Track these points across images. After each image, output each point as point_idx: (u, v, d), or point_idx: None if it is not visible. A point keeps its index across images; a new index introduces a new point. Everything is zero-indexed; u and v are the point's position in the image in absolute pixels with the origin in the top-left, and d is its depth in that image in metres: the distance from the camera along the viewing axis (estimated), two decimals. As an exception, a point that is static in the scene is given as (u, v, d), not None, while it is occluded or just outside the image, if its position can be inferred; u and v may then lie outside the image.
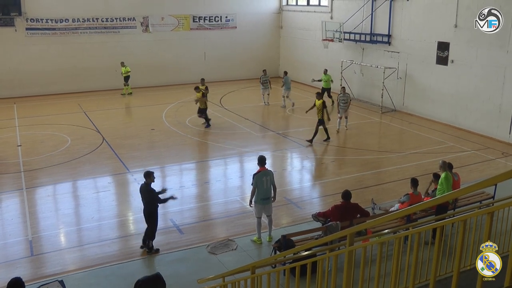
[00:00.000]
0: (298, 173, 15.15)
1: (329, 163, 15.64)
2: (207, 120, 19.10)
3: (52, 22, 25.04)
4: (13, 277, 5.80)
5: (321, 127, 16.80)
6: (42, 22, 24.84)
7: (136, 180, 13.87)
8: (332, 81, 22.73)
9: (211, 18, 28.75)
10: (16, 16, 24.07)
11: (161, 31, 27.57)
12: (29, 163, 15.20)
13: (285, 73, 23.17)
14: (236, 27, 29.44)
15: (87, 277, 8.96)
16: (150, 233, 9.85)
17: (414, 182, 10.18)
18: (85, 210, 12.01)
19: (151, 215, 9.82)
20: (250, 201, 10.11)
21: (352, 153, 16.30)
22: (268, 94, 23.12)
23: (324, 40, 25.11)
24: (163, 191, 10.07)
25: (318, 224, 9.89)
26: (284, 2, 30.30)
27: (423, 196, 10.38)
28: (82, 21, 25.67)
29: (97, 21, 26.00)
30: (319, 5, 27.49)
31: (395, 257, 5.40)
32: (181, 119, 20.46)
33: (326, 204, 12.06)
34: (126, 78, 25.04)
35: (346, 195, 9.42)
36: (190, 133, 18.53)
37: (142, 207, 9.94)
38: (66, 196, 13.06)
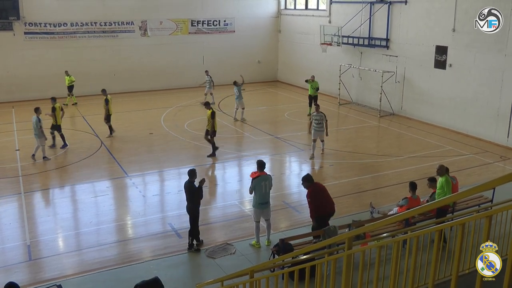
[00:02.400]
0: (296, 177, 15.13)
1: (327, 167, 15.64)
2: (62, 138, 16.94)
3: (50, 26, 25.06)
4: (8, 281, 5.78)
5: (209, 137, 16.02)
6: (40, 26, 24.85)
7: (135, 184, 13.88)
8: (317, 88, 21.33)
9: (209, 22, 28.79)
10: (14, 20, 24.08)
11: (159, 35, 27.59)
12: (27, 167, 15.17)
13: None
14: (234, 31, 29.49)
15: (86, 282, 8.93)
16: (191, 231, 10.02)
17: (413, 186, 10.18)
18: (84, 215, 11.98)
19: (189, 212, 10.02)
20: (250, 191, 10.10)
21: (351, 157, 16.31)
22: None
23: (322, 44, 25.15)
24: (202, 182, 10.03)
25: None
26: (282, 6, 30.36)
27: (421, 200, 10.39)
28: (81, 25, 25.70)
29: (96, 25, 26.03)
30: (317, 9, 27.58)
31: (393, 261, 5.40)
32: (179, 123, 20.46)
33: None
34: (70, 88, 24.22)
35: (308, 179, 9.56)
36: (188, 137, 18.52)
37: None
38: (64, 201, 13.06)
